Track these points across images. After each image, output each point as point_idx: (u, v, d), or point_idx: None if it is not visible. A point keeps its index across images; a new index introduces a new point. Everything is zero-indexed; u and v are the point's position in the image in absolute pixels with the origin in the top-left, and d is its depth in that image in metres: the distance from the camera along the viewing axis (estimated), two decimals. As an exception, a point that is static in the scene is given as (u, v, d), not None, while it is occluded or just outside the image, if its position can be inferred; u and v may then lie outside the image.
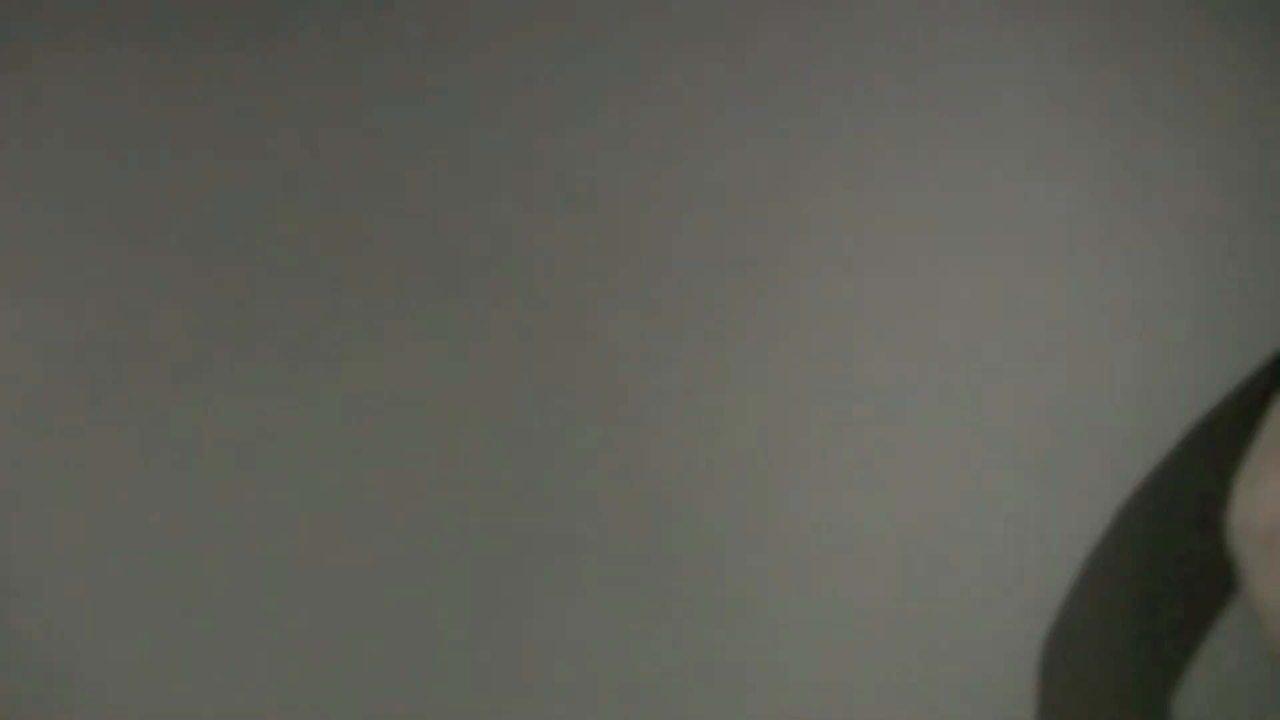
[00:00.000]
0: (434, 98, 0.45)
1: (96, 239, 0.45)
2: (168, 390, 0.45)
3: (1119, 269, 0.49)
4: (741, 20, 0.46)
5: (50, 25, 0.44)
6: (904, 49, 0.47)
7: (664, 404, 0.45)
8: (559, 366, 0.45)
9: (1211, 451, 0.49)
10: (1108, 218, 0.49)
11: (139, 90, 0.45)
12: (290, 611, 0.45)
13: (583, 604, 0.44)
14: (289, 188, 0.45)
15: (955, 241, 0.47)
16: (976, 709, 0.47)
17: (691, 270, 0.45)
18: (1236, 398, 0.49)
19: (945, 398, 0.47)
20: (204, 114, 0.45)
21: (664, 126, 0.45)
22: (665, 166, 0.45)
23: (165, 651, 0.45)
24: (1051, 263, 0.48)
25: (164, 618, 0.45)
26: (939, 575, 0.46)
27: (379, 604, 0.44)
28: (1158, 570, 0.49)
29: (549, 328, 0.44)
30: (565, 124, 0.45)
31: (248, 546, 0.45)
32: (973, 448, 0.47)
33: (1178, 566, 0.49)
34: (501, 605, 0.44)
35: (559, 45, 0.45)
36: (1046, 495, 0.47)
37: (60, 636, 0.44)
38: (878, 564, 0.46)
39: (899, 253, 0.47)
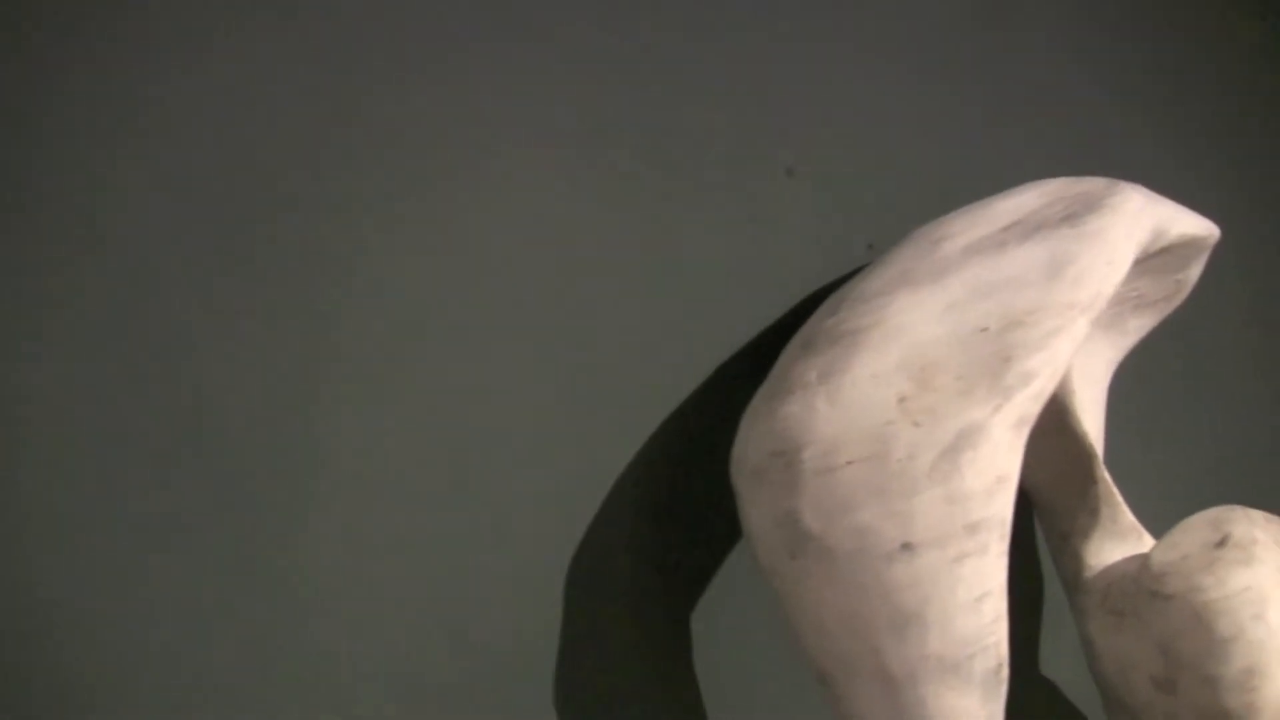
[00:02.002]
0: None
1: None
2: None
3: (632, 232, 0.51)
4: None
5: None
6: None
7: (214, 337, 0.45)
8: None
9: (720, 402, 0.52)
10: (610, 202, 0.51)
11: None
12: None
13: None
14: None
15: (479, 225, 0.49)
16: (500, 639, 0.49)
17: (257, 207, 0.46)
18: (745, 352, 0.52)
19: (470, 364, 0.48)
20: None
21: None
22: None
23: None
24: (568, 237, 0.50)
25: None
26: (465, 519, 0.48)
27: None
28: (673, 510, 0.52)
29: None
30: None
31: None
32: (500, 398, 0.49)
33: (690, 506, 0.51)
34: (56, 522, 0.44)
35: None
36: (563, 435, 0.49)
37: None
38: (411, 505, 0.48)
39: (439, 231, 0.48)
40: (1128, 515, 0.51)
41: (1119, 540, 0.51)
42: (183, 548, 0.45)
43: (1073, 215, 0.46)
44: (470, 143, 0.48)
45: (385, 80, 0.47)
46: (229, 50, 0.45)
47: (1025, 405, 0.43)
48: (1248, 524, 0.47)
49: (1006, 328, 0.44)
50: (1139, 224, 0.47)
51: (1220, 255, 0.60)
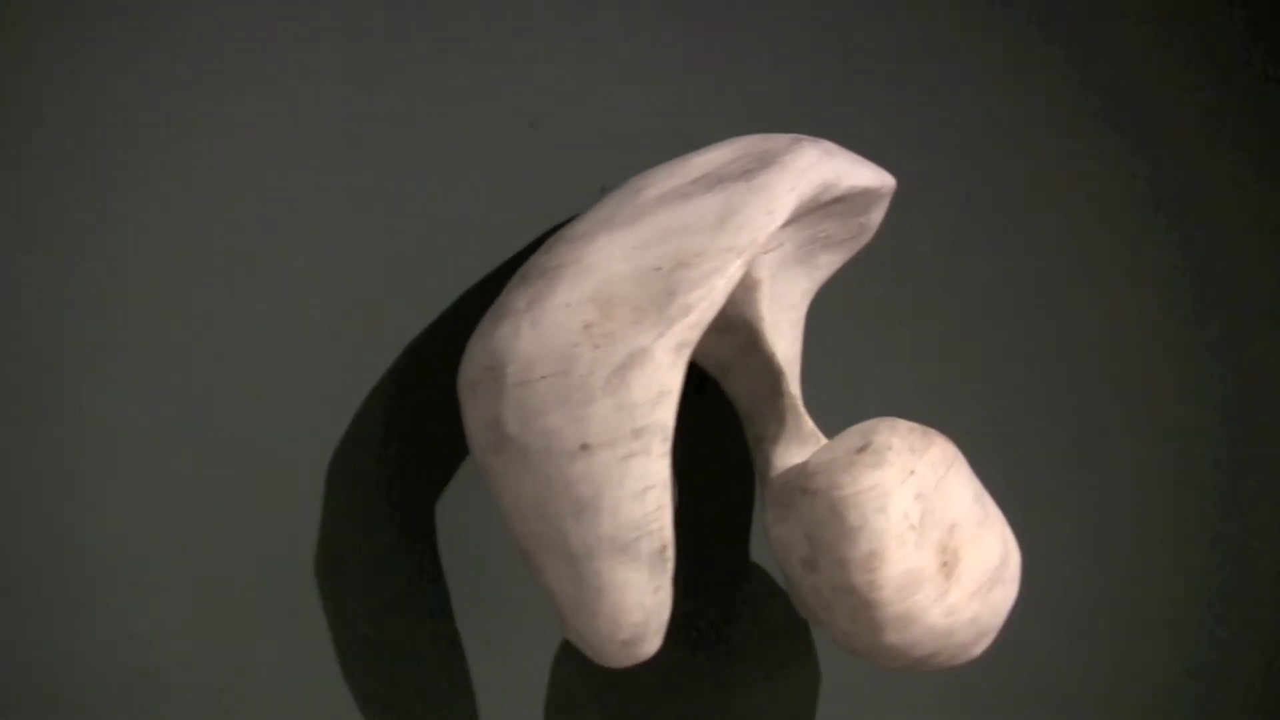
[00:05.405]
0: None
1: None
2: None
3: (385, 180, 0.60)
4: None
5: None
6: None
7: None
8: None
9: (463, 328, 0.60)
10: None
11: None
12: None
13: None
14: None
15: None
16: (262, 535, 0.57)
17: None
18: (487, 283, 0.60)
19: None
20: None
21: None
22: None
23: None
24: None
25: None
26: (225, 434, 0.57)
27: None
28: (415, 422, 0.60)
29: None
30: None
31: None
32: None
33: (431, 418, 0.60)
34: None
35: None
36: (321, 352, 0.58)
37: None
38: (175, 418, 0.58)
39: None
40: (809, 424, 0.60)
41: (801, 445, 0.60)
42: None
43: (749, 171, 0.55)
44: (224, 92, 0.56)
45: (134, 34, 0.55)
46: None
47: (684, 332, 0.52)
48: (889, 433, 0.56)
49: (676, 268, 0.53)
50: (805, 178, 0.55)
51: (911, 201, 0.68)
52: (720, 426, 0.65)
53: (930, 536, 0.56)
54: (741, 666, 0.65)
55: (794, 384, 0.61)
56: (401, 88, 0.58)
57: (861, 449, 0.56)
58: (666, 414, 0.52)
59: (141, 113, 0.54)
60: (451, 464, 0.60)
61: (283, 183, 0.56)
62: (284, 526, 0.57)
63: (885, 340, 0.68)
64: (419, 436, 0.59)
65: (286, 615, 0.57)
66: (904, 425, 0.57)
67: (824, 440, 0.60)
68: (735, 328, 0.60)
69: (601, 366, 0.52)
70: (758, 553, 0.66)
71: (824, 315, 0.66)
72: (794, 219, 0.58)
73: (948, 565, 0.56)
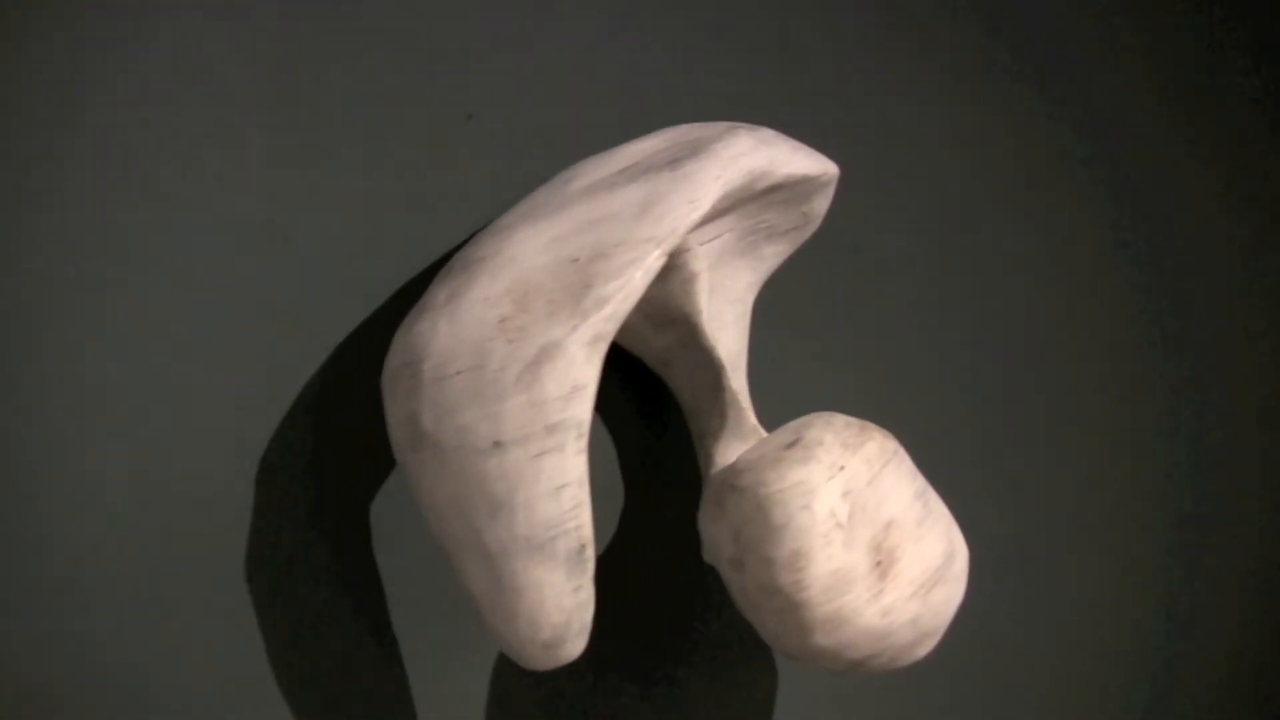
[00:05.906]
0: None
1: None
2: None
3: (320, 175, 0.59)
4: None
5: None
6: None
7: None
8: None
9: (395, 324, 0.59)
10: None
11: None
12: None
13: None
14: None
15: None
16: (199, 530, 0.57)
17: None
18: (421, 279, 0.59)
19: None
20: None
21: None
22: None
23: None
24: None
25: None
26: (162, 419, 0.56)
27: None
28: (349, 418, 0.59)
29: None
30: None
31: None
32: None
33: (364, 414, 0.59)
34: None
35: None
36: (261, 345, 0.58)
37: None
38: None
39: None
40: (751, 419, 0.59)
41: (742, 441, 0.59)
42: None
43: (676, 160, 0.53)
44: (163, 99, 0.55)
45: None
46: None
47: (599, 325, 0.51)
48: (822, 428, 0.55)
49: (593, 259, 0.51)
50: (733, 167, 0.53)
51: (863, 190, 0.66)
52: (676, 425, 0.63)
53: (861, 535, 0.54)
54: (693, 670, 0.64)
55: (736, 378, 0.60)
56: (334, 76, 0.57)
57: (791, 444, 0.54)
58: (581, 410, 0.51)
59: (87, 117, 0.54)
60: (385, 463, 0.59)
61: (207, 172, 0.56)
62: (214, 529, 0.56)
63: (836, 333, 0.66)
64: (351, 435, 0.58)
65: (219, 621, 0.56)
66: (840, 420, 0.56)
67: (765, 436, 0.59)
68: (674, 321, 0.59)
69: (514, 361, 0.51)
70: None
71: (771, 307, 0.64)
72: (730, 208, 0.57)
73: (882, 565, 0.54)
